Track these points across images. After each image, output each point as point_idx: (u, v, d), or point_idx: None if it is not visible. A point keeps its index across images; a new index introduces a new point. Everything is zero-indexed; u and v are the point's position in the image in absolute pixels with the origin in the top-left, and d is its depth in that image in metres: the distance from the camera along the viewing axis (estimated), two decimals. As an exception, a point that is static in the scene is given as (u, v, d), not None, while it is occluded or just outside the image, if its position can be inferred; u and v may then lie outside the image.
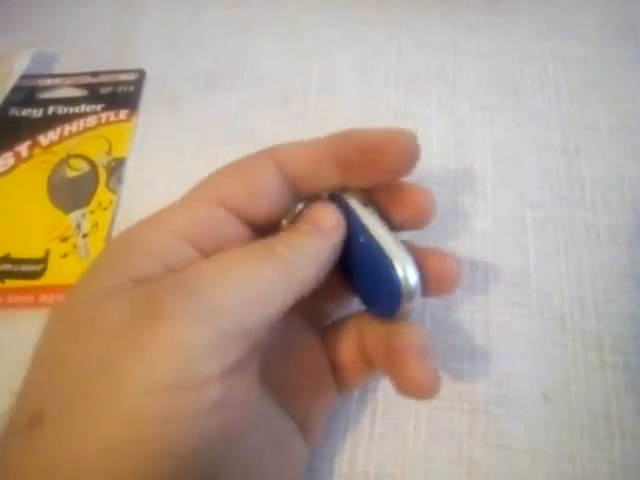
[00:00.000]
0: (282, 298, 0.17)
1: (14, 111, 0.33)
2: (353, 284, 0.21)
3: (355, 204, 0.20)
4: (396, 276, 0.18)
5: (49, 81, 0.34)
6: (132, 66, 0.34)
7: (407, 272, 0.18)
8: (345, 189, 0.20)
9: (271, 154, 0.20)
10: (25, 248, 0.28)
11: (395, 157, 0.19)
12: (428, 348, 0.18)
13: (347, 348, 0.21)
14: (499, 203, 0.27)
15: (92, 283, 0.18)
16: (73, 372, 0.16)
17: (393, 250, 0.18)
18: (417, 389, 0.18)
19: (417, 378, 0.17)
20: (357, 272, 0.20)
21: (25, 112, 0.33)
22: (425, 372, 0.18)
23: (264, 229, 0.20)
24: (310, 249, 0.18)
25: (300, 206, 0.21)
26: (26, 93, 0.34)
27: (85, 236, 0.28)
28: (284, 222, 0.21)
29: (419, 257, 0.19)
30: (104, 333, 0.16)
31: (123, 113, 0.32)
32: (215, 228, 0.19)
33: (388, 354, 0.18)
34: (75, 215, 0.29)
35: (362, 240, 0.19)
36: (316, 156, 0.20)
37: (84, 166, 0.31)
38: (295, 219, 0.20)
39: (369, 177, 0.20)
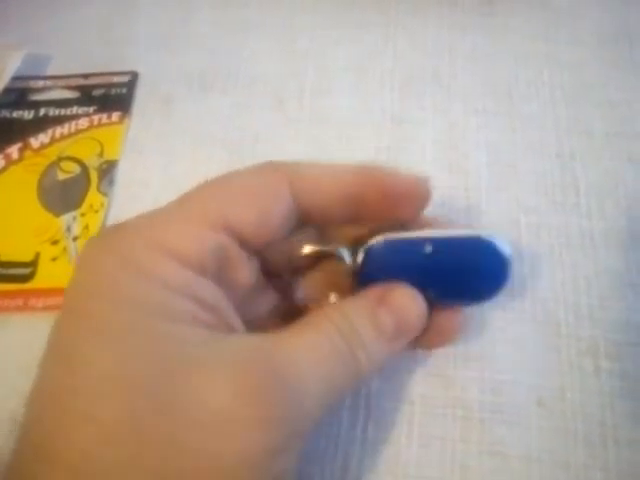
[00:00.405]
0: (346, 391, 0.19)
1: (5, 113, 0.33)
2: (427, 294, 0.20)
3: (393, 235, 0.19)
4: (501, 250, 0.19)
5: (41, 83, 0.34)
6: (125, 68, 0.34)
7: (504, 242, 0.19)
8: (371, 234, 0.20)
9: (287, 176, 0.19)
10: (14, 251, 0.28)
11: (414, 204, 0.20)
12: None
13: None
14: (493, 208, 0.26)
15: (117, 315, 0.16)
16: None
17: (476, 233, 0.19)
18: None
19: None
20: (435, 280, 0.19)
21: (16, 114, 0.33)
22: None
23: (261, 252, 0.20)
24: (388, 355, 0.19)
25: (307, 251, 0.20)
26: (17, 95, 0.33)
27: (76, 239, 0.28)
28: (332, 298, 0.20)
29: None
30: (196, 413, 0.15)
31: (115, 115, 0.32)
32: (221, 257, 0.18)
33: None
34: (66, 218, 0.29)
35: (429, 250, 0.19)
36: (336, 190, 0.19)
37: (75, 168, 0.30)
38: (298, 262, 0.20)
39: (382, 216, 0.20)
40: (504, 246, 0.19)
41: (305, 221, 0.20)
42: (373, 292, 0.19)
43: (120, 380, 0.15)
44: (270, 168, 0.19)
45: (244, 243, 0.18)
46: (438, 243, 0.19)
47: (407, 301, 0.19)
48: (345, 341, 0.18)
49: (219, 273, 0.18)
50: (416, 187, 0.19)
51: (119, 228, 0.18)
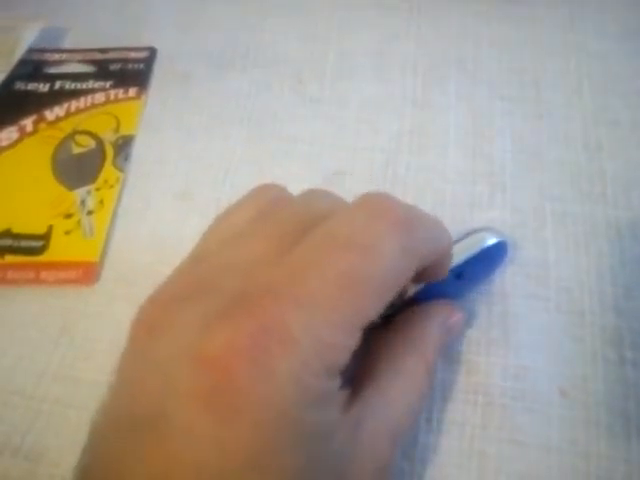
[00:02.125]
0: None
1: (20, 85, 0.32)
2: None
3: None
4: (503, 241, 0.22)
5: (57, 56, 0.33)
6: (143, 44, 0.33)
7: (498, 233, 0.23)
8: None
9: (418, 262, 0.17)
10: (27, 223, 0.27)
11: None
12: None
13: None
14: (517, 195, 0.26)
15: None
16: None
17: (481, 241, 0.22)
18: None
19: None
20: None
21: (31, 86, 0.32)
22: None
23: None
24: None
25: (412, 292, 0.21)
26: (33, 67, 0.33)
27: (90, 213, 0.27)
28: None
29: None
30: None
31: (132, 91, 0.31)
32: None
33: None
34: (80, 192, 0.28)
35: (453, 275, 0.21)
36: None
37: (90, 143, 0.30)
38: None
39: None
40: (502, 235, 0.23)
41: None
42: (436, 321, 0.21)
43: None
44: (412, 255, 0.16)
45: None
46: (460, 268, 0.21)
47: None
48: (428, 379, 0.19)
49: None
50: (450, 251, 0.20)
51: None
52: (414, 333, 0.20)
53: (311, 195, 0.20)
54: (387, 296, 0.16)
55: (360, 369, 0.19)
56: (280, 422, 0.14)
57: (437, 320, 0.21)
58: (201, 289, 0.16)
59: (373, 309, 0.15)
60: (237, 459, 0.14)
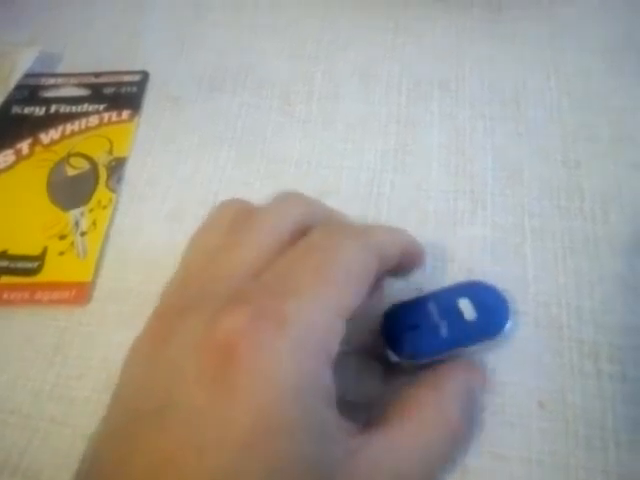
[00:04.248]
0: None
1: (17, 109, 0.33)
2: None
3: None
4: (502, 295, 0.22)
5: (52, 80, 0.34)
6: (136, 67, 0.34)
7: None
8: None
9: (379, 259, 0.19)
10: (22, 245, 0.28)
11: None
12: None
13: None
14: (498, 211, 0.27)
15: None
16: None
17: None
18: None
19: None
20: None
21: (27, 110, 0.33)
22: None
23: None
24: None
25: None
26: (29, 91, 0.34)
27: (83, 234, 0.28)
28: None
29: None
30: None
31: (125, 113, 0.32)
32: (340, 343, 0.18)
33: None
34: (74, 213, 0.29)
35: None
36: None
37: (84, 165, 0.31)
38: None
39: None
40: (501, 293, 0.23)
41: None
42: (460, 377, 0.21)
43: None
44: (369, 251, 0.19)
45: None
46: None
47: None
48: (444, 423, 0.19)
49: None
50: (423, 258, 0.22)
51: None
52: (438, 389, 0.20)
53: (277, 202, 0.21)
54: (358, 284, 0.18)
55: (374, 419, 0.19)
56: (279, 404, 0.15)
57: (466, 379, 0.21)
58: (199, 298, 0.18)
59: (349, 295, 0.18)
60: (237, 440, 0.15)
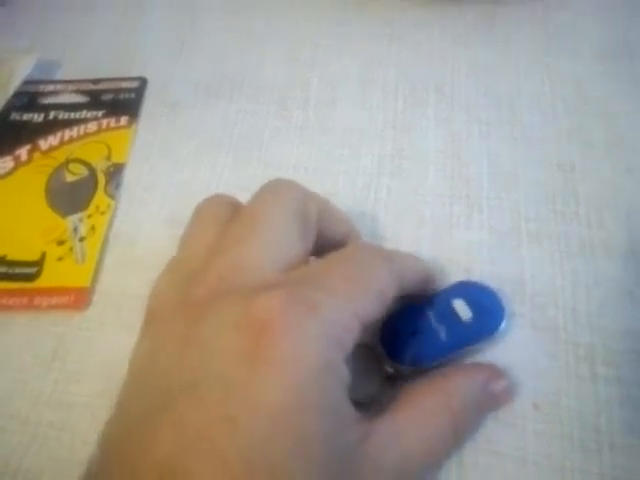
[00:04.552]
0: None
1: (15, 115, 0.33)
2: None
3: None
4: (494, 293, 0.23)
5: (51, 87, 0.34)
6: (134, 73, 0.34)
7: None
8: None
9: (399, 276, 0.20)
10: (21, 250, 0.28)
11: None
12: None
13: None
14: (494, 215, 0.27)
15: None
16: None
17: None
18: None
19: None
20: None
21: (26, 117, 0.33)
22: None
23: None
24: None
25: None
26: (28, 98, 0.34)
27: (82, 240, 0.28)
28: None
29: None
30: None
31: (124, 119, 0.33)
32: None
33: None
34: (72, 219, 0.29)
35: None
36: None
37: (83, 171, 0.31)
38: None
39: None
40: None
41: None
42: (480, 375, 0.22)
43: None
44: (395, 275, 0.20)
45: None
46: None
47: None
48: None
49: None
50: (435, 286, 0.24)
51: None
52: (442, 381, 0.21)
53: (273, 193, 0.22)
54: (379, 300, 0.19)
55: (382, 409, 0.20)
56: (306, 383, 0.16)
57: (475, 377, 0.21)
58: (227, 288, 0.18)
59: (371, 306, 0.19)
60: (269, 412, 0.15)
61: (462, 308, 0.22)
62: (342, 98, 0.32)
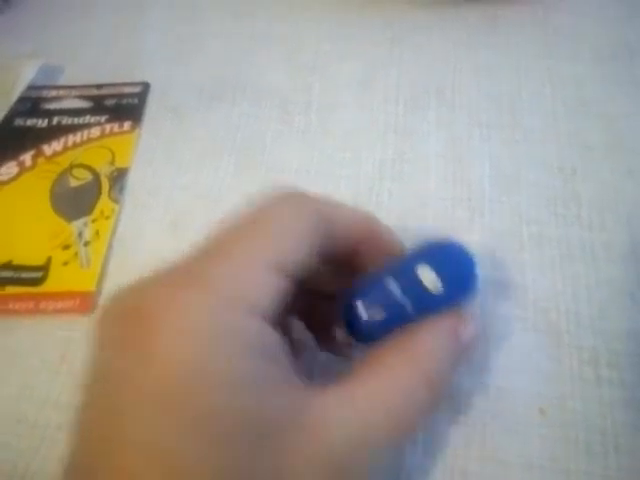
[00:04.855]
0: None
1: (19, 121, 0.34)
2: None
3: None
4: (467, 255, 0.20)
5: (54, 92, 0.35)
6: (136, 78, 0.35)
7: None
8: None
9: (326, 216, 0.19)
10: (27, 255, 0.28)
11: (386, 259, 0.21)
12: None
13: None
14: (496, 219, 0.27)
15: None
16: None
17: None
18: None
19: None
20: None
21: (30, 122, 0.34)
22: None
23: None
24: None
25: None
26: (31, 103, 0.34)
27: (86, 244, 0.29)
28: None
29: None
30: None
31: (127, 124, 0.33)
32: (280, 299, 0.17)
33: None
34: (77, 224, 0.29)
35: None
36: (357, 236, 0.20)
37: (87, 176, 0.31)
38: None
39: (359, 264, 0.21)
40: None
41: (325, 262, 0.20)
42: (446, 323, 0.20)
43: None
44: (307, 207, 0.19)
45: (292, 277, 0.18)
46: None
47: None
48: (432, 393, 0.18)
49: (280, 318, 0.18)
50: (396, 248, 0.21)
51: (191, 281, 0.16)
52: (408, 338, 0.19)
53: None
54: (294, 238, 0.18)
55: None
56: (198, 357, 0.15)
57: (443, 327, 0.19)
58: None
59: (284, 249, 0.17)
60: (154, 400, 0.14)
61: (429, 277, 0.19)
62: (343, 102, 0.32)
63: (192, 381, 0.14)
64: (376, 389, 0.17)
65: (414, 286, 0.19)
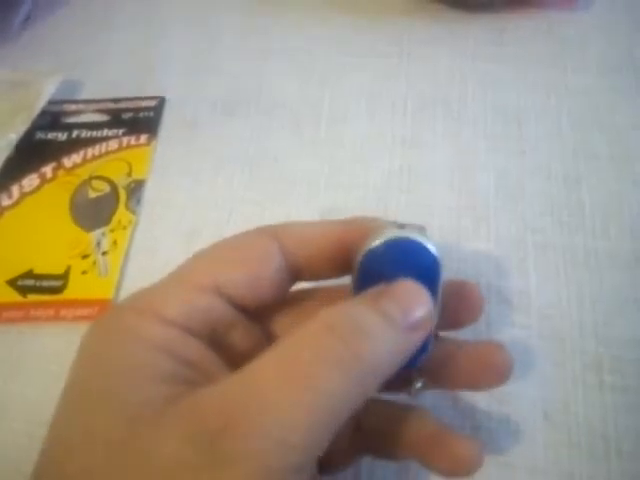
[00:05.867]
0: (352, 409, 0.15)
1: (40, 134, 0.35)
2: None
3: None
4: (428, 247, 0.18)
5: (74, 106, 0.36)
6: (152, 92, 0.36)
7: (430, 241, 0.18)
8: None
9: (275, 236, 0.19)
10: (47, 264, 0.30)
11: None
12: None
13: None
14: (501, 227, 0.28)
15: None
16: None
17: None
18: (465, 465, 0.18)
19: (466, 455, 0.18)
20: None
21: (51, 135, 0.35)
22: (472, 446, 0.18)
23: (257, 312, 0.20)
24: (401, 350, 0.16)
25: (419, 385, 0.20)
26: (52, 117, 0.35)
27: (104, 254, 0.30)
28: None
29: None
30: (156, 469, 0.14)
31: (143, 137, 0.34)
32: (212, 317, 0.18)
33: (419, 440, 0.19)
34: (96, 233, 0.30)
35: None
36: (323, 244, 0.19)
37: (105, 187, 0.32)
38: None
39: None
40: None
41: (299, 278, 0.20)
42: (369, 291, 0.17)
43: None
44: (258, 231, 0.19)
45: (238, 305, 0.19)
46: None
47: (410, 288, 0.17)
48: (339, 339, 0.15)
49: (212, 334, 0.18)
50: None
51: (122, 304, 0.19)
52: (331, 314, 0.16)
53: None
54: (234, 262, 0.19)
55: None
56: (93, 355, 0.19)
57: (370, 297, 0.17)
58: None
59: (218, 272, 0.18)
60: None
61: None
62: (353, 115, 0.33)
63: (89, 370, 0.18)
64: (291, 384, 0.15)
65: None
